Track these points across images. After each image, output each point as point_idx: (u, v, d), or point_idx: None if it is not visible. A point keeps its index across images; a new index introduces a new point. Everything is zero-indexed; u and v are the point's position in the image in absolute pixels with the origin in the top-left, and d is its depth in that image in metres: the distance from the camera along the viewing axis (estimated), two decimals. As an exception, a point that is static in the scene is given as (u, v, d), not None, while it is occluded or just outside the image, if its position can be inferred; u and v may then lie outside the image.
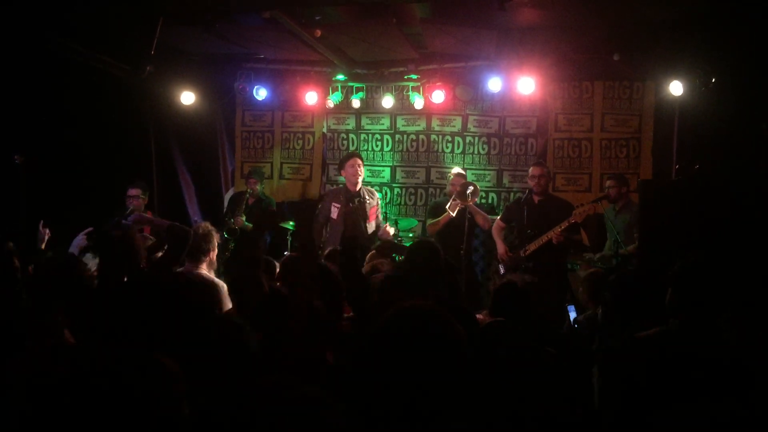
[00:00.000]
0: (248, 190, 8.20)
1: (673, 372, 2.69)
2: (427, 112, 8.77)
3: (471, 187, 6.97)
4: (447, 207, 7.09)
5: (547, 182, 7.04)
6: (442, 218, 7.17)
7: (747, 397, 2.32)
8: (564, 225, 6.51)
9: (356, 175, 7.39)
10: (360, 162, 7.53)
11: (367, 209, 7.32)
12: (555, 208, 6.81)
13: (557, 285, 6.51)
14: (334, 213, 7.34)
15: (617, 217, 6.95)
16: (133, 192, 7.18)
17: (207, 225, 4.92)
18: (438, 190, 8.81)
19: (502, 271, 6.92)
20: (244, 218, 7.84)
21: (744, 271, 4.30)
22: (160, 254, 4.56)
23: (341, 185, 7.90)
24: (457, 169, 7.79)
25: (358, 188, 7.42)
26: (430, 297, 3.57)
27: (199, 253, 4.72)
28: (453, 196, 7.10)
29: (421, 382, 1.76)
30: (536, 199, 6.89)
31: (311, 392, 1.48)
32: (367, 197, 7.40)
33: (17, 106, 6.86)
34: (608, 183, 7.18)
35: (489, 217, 7.38)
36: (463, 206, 6.97)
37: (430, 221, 7.45)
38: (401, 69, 8.32)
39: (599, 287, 4.50)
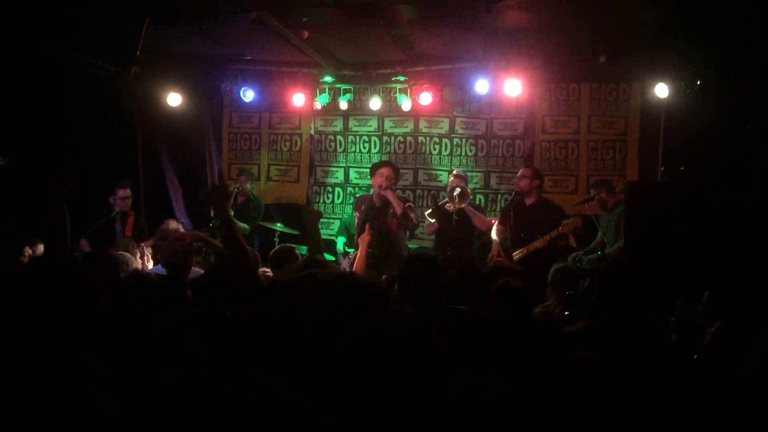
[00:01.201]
0: (237, 187, 8.14)
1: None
2: (415, 114, 8.78)
3: (457, 190, 6.97)
4: (429, 212, 7.13)
5: (529, 184, 6.72)
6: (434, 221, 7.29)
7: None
8: (553, 234, 6.42)
9: (377, 185, 6.82)
10: (387, 172, 6.88)
11: (389, 218, 6.80)
12: (545, 212, 6.69)
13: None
14: (356, 222, 7.16)
15: (608, 215, 7.04)
16: (124, 193, 7.16)
17: None
18: (426, 192, 8.82)
19: None
20: (231, 213, 7.79)
21: (730, 269, 4.34)
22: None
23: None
24: (456, 171, 7.85)
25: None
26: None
27: None
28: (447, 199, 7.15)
29: (394, 384, 1.79)
30: (527, 201, 6.79)
31: None
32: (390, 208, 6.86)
33: (1, 107, 6.80)
34: (593, 192, 7.25)
35: (487, 218, 7.40)
36: (452, 208, 6.97)
37: (427, 222, 7.58)
38: (389, 71, 8.31)
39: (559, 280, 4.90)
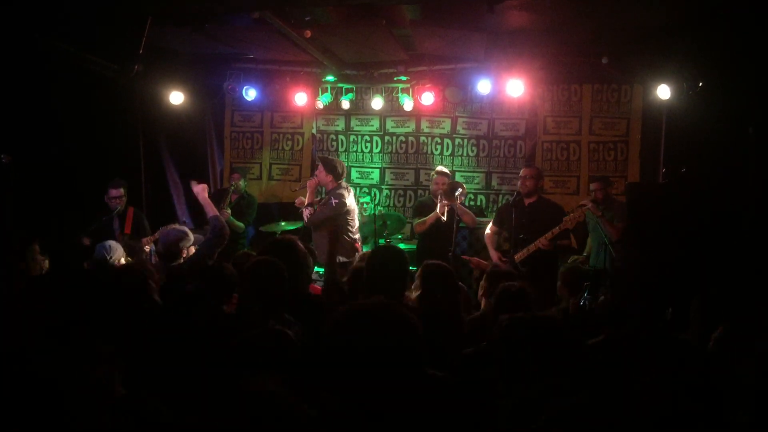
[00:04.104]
0: (232, 186, 8.13)
1: None
2: (417, 114, 8.79)
3: (459, 189, 6.90)
4: (437, 209, 6.97)
5: (535, 184, 6.71)
6: (429, 218, 7.09)
7: None
8: (555, 231, 6.33)
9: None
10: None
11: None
12: (545, 211, 6.61)
13: (550, 289, 6.39)
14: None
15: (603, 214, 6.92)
16: (117, 193, 7.16)
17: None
18: (426, 192, 8.81)
19: None
20: (229, 212, 7.80)
21: (731, 271, 4.35)
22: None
23: None
24: (440, 168, 7.76)
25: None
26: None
27: None
28: (440, 197, 7.03)
29: (377, 374, 1.79)
30: (527, 201, 6.69)
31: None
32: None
33: (4, 106, 6.81)
34: (593, 186, 7.04)
35: (476, 218, 7.33)
36: (449, 206, 6.86)
37: (416, 221, 7.36)
38: (391, 70, 8.32)
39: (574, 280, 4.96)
